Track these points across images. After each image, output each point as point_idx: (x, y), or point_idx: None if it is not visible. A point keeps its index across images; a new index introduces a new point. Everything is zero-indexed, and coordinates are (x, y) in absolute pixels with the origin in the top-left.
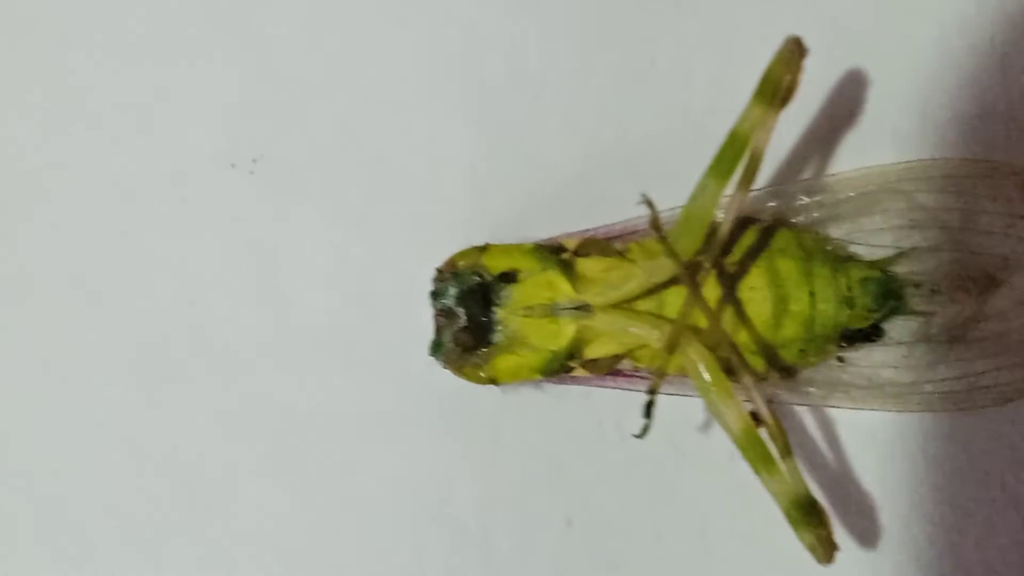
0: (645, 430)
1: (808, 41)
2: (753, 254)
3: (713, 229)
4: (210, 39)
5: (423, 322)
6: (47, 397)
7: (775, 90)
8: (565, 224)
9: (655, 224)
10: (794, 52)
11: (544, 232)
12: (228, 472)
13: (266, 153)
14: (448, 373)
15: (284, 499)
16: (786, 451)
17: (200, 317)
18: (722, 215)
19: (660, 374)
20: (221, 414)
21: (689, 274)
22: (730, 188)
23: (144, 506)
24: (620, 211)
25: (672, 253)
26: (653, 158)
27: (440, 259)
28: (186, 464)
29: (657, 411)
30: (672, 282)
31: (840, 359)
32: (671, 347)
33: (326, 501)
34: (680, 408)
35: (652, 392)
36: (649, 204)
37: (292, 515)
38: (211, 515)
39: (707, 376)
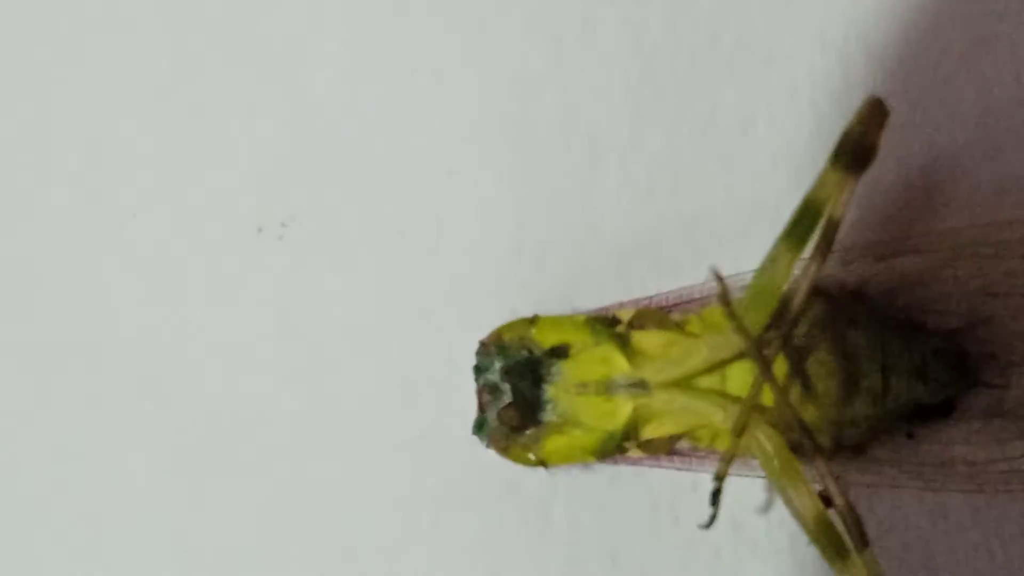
0: (712, 520)
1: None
2: (822, 325)
3: (784, 300)
4: (236, 94)
5: (467, 399)
6: (74, 475)
7: (853, 154)
8: (618, 292)
9: (724, 299)
10: (875, 113)
11: (595, 301)
12: (265, 561)
13: (296, 216)
14: (493, 453)
15: None
16: (862, 539)
17: (228, 394)
18: (792, 286)
19: (728, 459)
20: (253, 497)
21: (758, 351)
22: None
23: None
24: (677, 277)
25: (743, 330)
26: (712, 219)
27: (484, 330)
28: (215, 550)
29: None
30: (738, 356)
31: (910, 435)
32: (740, 430)
33: None
34: (739, 488)
35: (720, 479)
36: (718, 277)
37: None
38: None
39: (775, 458)
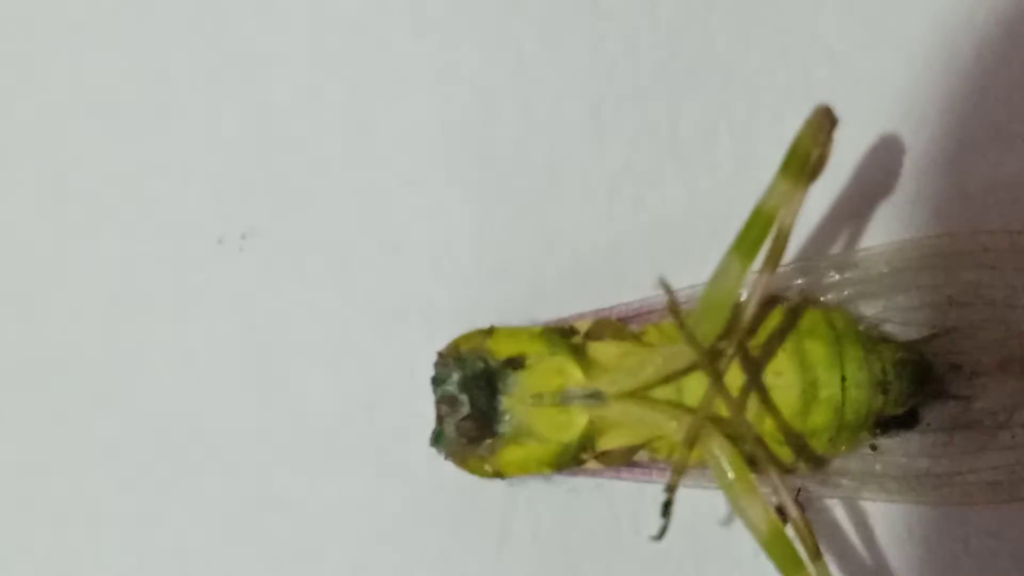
0: (663, 531)
1: (839, 109)
2: (779, 336)
3: (737, 311)
4: (196, 104)
5: (427, 410)
6: (34, 489)
7: (803, 164)
8: (577, 304)
9: (673, 309)
10: (824, 122)
11: (554, 313)
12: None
13: (256, 228)
14: (452, 466)
15: None
16: (815, 552)
17: (189, 407)
18: (746, 295)
19: (679, 470)
20: (214, 510)
21: (710, 362)
22: (755, 266)
23: None
24: (636, 289)
25: (692, 340)
26: (672, 233)
27: (444, 342)
28: (176, 565)
29: (677, 505)
30: (692, 368)
31: (873, 447)
32: (691, 441)
33: None
34: (701, 501)
35: (670, 490)
36: (667, 288)
37: None
38: None
39: (729, 471)
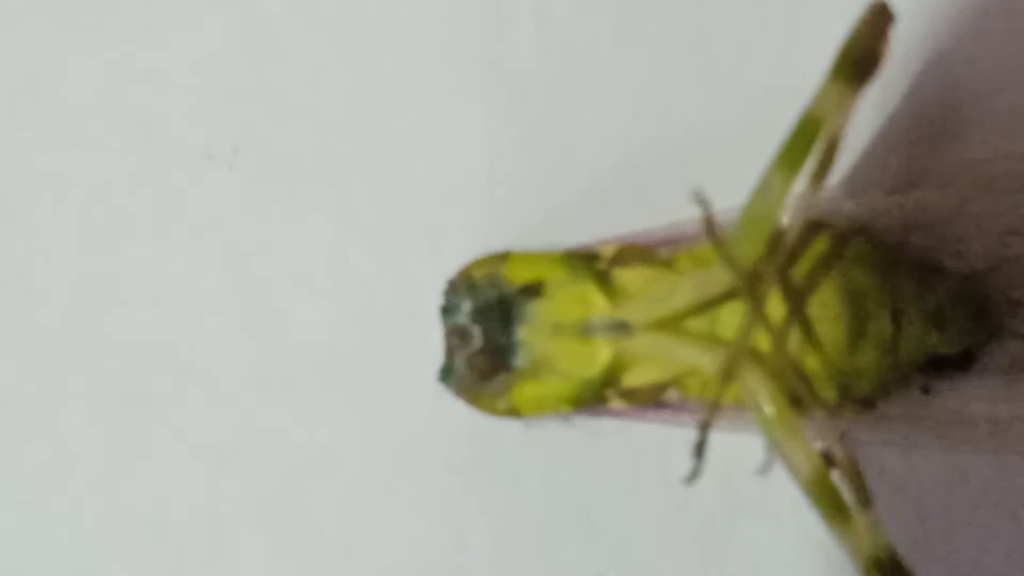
0: (695, 474)
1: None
2: (825, 265)
3: (778, 234)
4: (185, 9)
5: (434, 343)
6: (10, 424)
7: (856, 65)
8: (601, 228)
9: (709, 226)
10: (879, 19)
11: (575, 239)
12: (209, 520)
13: (249, 142)
14: (461, 404)
15: (272, 553)
16: (865, 500)
17: (174, 337)
18: (788, 217)
19: (713, 407)
20: (198, 450)
21: (749, 287)
22: (800, 184)
23: (117, 561)
24: (666, 212)
25: (729, 260)
26: (706, 150)
27: (453, 270)
28: (159, 511)
29: (709, 452)
30: (728, 297)
31: (925, 390)
32: (727, 374)
33: (320, 555)
34: (735, 447)
35: (704, 428)
36: (701, 202)
37: (281, 569)
38: (193, 568)
39: (769, 409)
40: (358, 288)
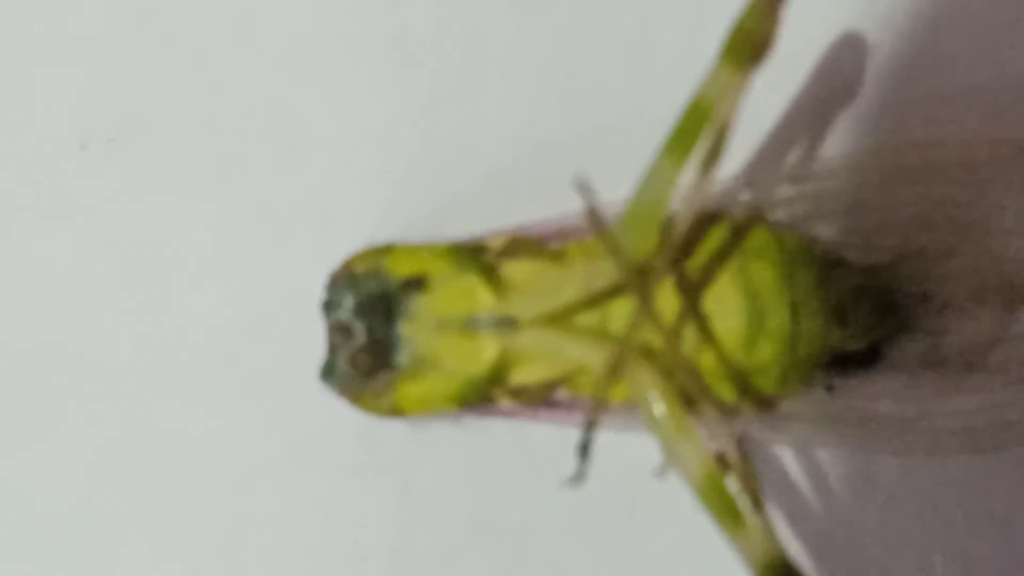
0: (580, 475)
1: None
2: (722, 257)
3: (670, 225)
4: None
5: (321, 337)
6: None
7: (745, 48)
8: (493, 219)
9: (592, 215)
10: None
11: (467, 229)
12: (94, 516)
13: (124, 129)
14: (346, 403)
15: (159, 552)
16: (757, 503)
17: (57, 332)
18: (681, 207)
19: (599, 405)
20: (82, 444)
21: (638, 279)
22: (690, 173)
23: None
24: (562, 203)
25: (615, 251)
26: (603, 138)
27: (341, 260)
28: (42, 507)
29: (604, 449)
30: (619, 291)
31: (829, 388)
32: (614, 372)
33: (207, 556)
34: (632, 446)
35: (588, 428)
36: (585, 190)
37: (168, 569)
38: (78, 567)
39: (659, 409)
40: (246, 279)
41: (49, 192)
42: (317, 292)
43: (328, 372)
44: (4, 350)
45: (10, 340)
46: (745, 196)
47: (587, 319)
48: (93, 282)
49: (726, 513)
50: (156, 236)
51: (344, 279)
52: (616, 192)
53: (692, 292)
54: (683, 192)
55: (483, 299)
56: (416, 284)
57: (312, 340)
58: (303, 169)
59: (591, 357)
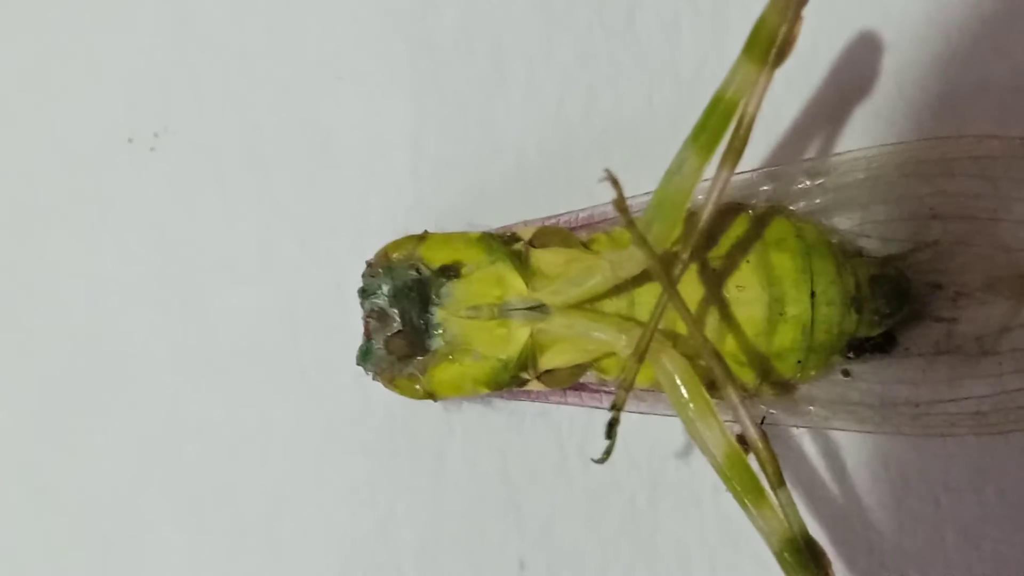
0: (607, 454)
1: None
2: (743, 247)
3: (695, 215)
4: None
5: (355, 326)
6: None
7: (768, 45)
8: (521, 212)
9: (620, 205)
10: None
11: (497, 221)
12: (139, 503)
13: (170, 125)
14: (381, 387)
15: (196, 540)
16: (778, 481)
17: (97, 324)
18: (705, 199)
19: (626, 387)
20: (122, 436)
21: (663, 267)
22: (714, 165)
23: (41, 548)
24: (587, 196)
25: (641, 241)
26: (628, 133)
27: (374, 251)
28: (83, 498)
29: (629, 432)
30: (645, 278)
31: (846, 373)
32: (640, 355)
33: (244, 542)
34: (656, 430)
35: (616, 408)
36: (613, 182)
37: (206, 557)
38: (118, 555)
39: (684, 391)
40: (281, 271)
41: (97, 183)
42: (352, 284)
43: (364, 356)
44: (46, 343)
45: (52, 333)
46: (766, 188)
47: (614, 305)
48: (132, 275)
49: (749, 491)
50: (197, 231)
51: (381, 266)
52: (637, 187)
53: (715, 281)
54: (707, 184)
55: (514, 286)
56: (450, 271)
57: (347, 331)
58: (338, 168)
59: (618, 342)
